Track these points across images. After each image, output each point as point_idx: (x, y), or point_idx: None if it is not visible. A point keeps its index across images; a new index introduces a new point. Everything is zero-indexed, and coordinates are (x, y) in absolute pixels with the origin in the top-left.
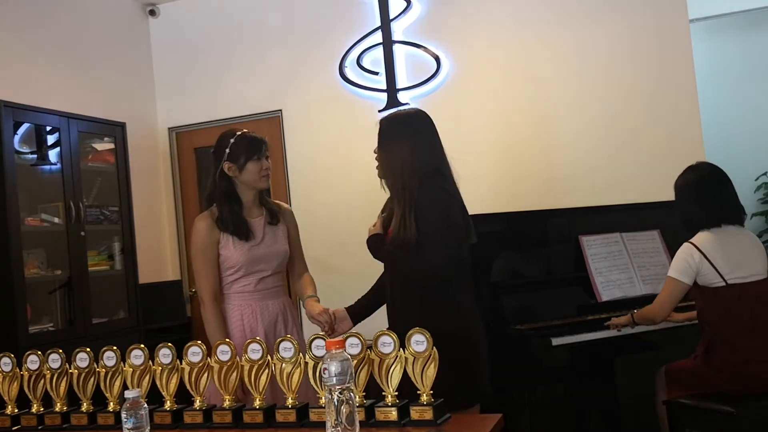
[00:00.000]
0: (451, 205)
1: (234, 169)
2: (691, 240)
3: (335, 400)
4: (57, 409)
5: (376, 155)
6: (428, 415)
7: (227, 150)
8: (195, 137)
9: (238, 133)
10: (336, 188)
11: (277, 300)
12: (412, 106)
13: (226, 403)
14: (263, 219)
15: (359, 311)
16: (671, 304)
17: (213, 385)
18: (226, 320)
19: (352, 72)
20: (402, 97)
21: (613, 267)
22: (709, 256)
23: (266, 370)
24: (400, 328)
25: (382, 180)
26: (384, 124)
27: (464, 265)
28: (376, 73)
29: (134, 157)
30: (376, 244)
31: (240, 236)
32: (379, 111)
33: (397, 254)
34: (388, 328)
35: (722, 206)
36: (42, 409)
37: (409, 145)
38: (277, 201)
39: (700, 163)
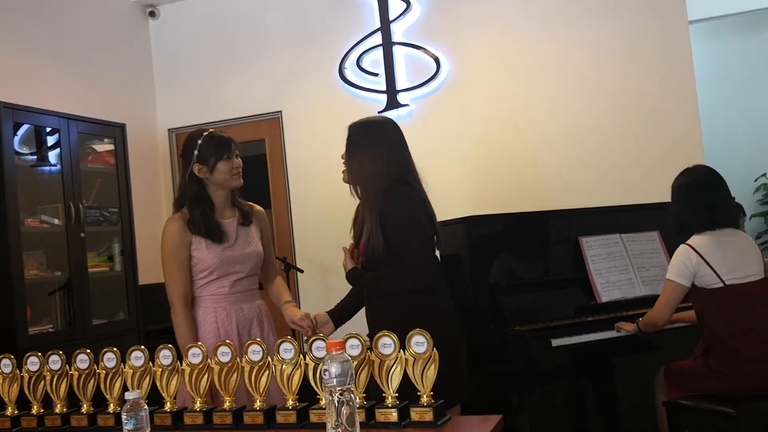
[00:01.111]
0: (417, 209)
1: (204, 170)
2: (687, 242)
3: (336, 401)
4: (57, 410)
5: (343, 161)
6: (428, 416)
7: (196, 152)
8: None
9: (205, 133)
10: (336, 189)
11: (253, 303)
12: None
13: (226, 405)
14: (236, 220)
15: (340, 314)
16: (671, 307)
17: (184, 389)
18: (198, 324)
19: (352, 73)
20: (402, 98)
21: (613, 268)
22: (706, 258)
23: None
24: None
25: (351, 186)
26: (353, 131)
27: (439, 266)
28: (376, 75)
29: (134, 158)
30: (356, 279)
31: (213, 238)
32: (379, 112)
33: (381, 275)
34: (368, 335)
35: (715, 210)
36: (42, 411)
37: (378, 154)
38: (249, 202)
39: (695, 167)
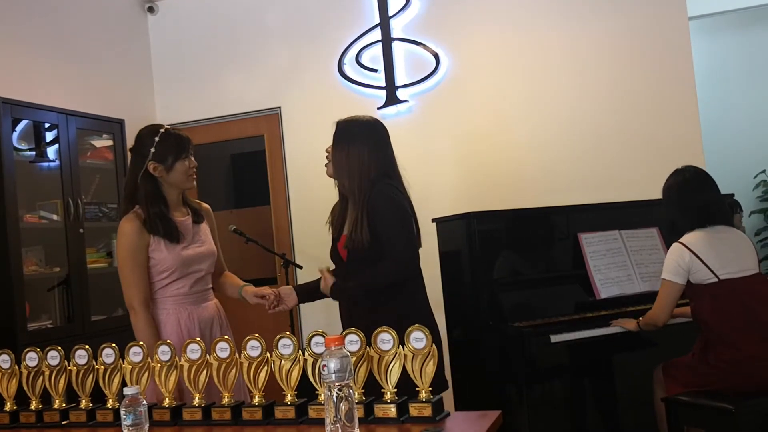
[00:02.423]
0: (403, 204)
1: (161, 169)
2: (680, 240)
3: (334, 396)
4: (56, 406)
5: (327, 155)
6: (427, 411)
7: (152, 149)
8: (193, 134)
9: (162, 130)
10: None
11: (211, 302)
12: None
13: (225, 400)
14: (189, 219)
15: (306, 290)
16: (670, 306)
17: (152, 385)
18: (160, 325)
19: (351, 69)
20: (401, 94)
21: (612, 264)
22: (699, 254)
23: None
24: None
25: (336, 180)
26: (342, 126)
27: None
28: (375, 71)
29: None
30: (342, 292)
31: (171, 239)
32: (378, 108)
33: (366, 278)
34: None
35: (705, 209)
36: (41, 406)
37: (367, 150)
38: (195, 200)
39: (684, 168)
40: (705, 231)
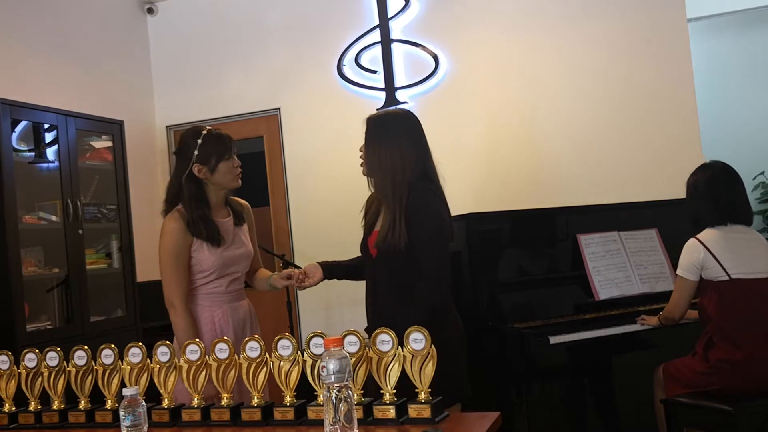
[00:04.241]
0: (442, 209)
1: (205, 171)
2: (696, 236)
3: (333, 398)
4: (55, 407)
5: (361, 153)
6: (426, 413)
7: (195, 151)
8: None
9: (204, 132)
10: (334, 186)
11: (244, 301)
12: (402, 106)
13: (224, 401)
14: (231, 220)
15: (332, 266)
16: (685, 301)
17: (180, 385)
18: (195, 322)
19: (350, 70)
20: (400, 95)
21: (611, 265)
22: (713, 251)
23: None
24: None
25: (369, 179)
26: (370, 123)
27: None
28: (375, 72)
29: (132, 154)
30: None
31: (212, 242)
32: (378, 109)
33: (410, 314)
34: (365, 329)
35: (733, 205)
36: (40, 407)
37: (399, 149)
38: (236, 198)
39: (712, 162)
40: (723, 229)
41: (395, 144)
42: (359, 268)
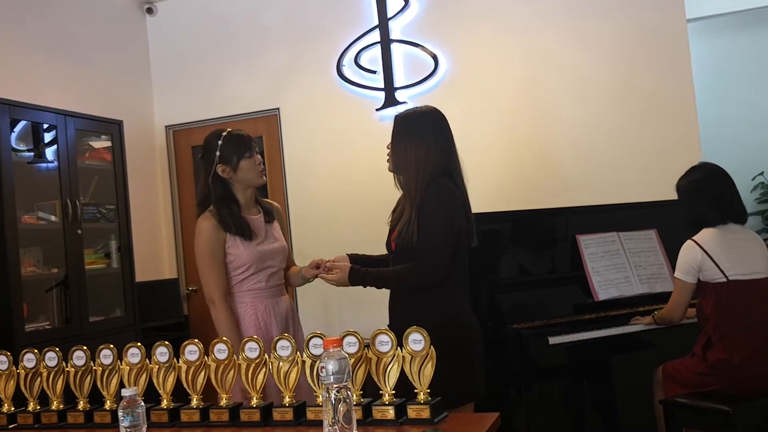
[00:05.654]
0: (455, 207)
1: (228, 170)
2: (693, 237)
3: (332, 398)
4: (53, 407)
5: (388, 150)
6: (425, 413)
7: (217, 152)
8: (192, 135)
9: (224, 133)
10: (334, 186)
11: (285, 296)
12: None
13: (223, 402)
14: (261, 217)
15: (359, 258)
16: (683, 304)
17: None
18: (238, 319)
19: (349, 70)
20: (399, 95)
21: (610, 266)
22: (710, 253)
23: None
24: (399, 325)
25: (396, 176)
26: (398, 121)
27: (462, 266)
28: (374, 72)
29: (131, 155)
30: (360, 278)
31: (243, 236)
32: (377, 110)
33: (389, 273)
34: (388, 326)
35: (731, 204)
36: (38, 408)
37: (424, 145)
38: (267, 199)
39: (703, 163)
40: (721, 229)
41: (421, 141)
42: (382, 263)
